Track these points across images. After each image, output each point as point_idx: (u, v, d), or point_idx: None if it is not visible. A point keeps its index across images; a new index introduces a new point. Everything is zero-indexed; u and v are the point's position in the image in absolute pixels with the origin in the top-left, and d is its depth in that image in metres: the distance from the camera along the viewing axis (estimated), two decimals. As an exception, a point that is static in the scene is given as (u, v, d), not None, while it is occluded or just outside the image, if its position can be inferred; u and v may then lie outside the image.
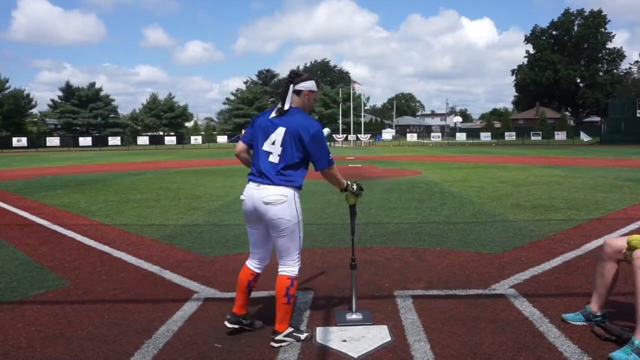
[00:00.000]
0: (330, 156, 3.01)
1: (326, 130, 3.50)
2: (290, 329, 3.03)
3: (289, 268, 3.01)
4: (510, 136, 51.76)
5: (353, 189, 3.25)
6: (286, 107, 2.97)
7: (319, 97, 3.36)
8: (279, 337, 2.99)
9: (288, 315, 3.02)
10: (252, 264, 3.20)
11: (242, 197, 3.04)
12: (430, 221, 6.94)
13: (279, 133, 2.93)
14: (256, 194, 2.92)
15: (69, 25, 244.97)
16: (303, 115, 2.99)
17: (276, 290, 3.02)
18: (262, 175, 2.93)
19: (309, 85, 3.04)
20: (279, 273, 3.03)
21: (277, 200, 2.87)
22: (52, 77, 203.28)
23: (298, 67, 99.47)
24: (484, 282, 4.14)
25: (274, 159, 2.93)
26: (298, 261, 3.04)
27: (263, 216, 2.94)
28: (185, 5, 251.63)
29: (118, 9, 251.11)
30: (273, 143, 2.94)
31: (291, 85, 3.01)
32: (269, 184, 2.90)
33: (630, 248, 2.91)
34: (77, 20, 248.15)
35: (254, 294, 3.58)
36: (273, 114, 3.00)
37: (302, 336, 3.05)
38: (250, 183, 2.99)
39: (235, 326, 3.15)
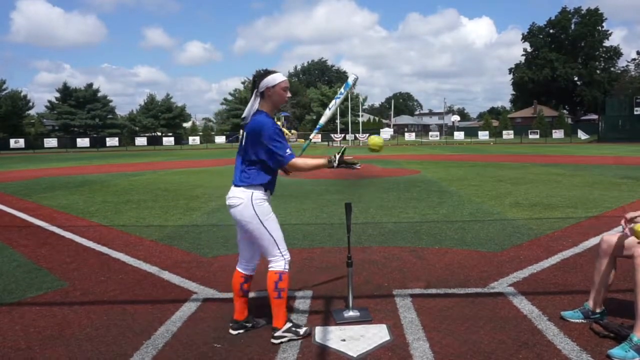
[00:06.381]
0: (288, 151, 2.93)
1: (352, 77, 3.56)
2: (288, 325, 3.06)
3: (274, 264, 3.04)
4: (508, 135, 51.75)
5: (335, 158, 3.00)
6: (245, 114, 3.03)
7: (288, 86, 3.26)
8: (277, 334, 3.02)
9: (282, 310, 3.04)
10: (241, 267, 3.25)
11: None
12: (428, 220, 6.95)
13: (243, 137, 3.05)
14: (227, 196, 3.07)
15: (68, 26, 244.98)
16: (258, 115, 3.00)
17: (267, 287, 3.05)
18: (234, 178, 3.07)
19: (268, 81, 2.98)
20: (268, 270, 3.07)
21: (235, 203, 2.99)
22: (51, 78, 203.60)
23: (296, 66, 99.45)
24: (483, 281, 4.15)
25: (238, 162, 3.07)
26: (281, 256, 3.05)
27: (233, 218, 3.06)
28: (186, 5, 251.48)
29: (119, 9, 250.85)
30: (240, 148, 3.08)
31: (254, 91, 3.03)
32: (233, 186, 3.04)
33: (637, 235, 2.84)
34: (77, 21, 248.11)
35: (255, 294, 3.59)
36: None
37: (301, 330, 3.07)
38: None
39: (240, 331, 3.19)
